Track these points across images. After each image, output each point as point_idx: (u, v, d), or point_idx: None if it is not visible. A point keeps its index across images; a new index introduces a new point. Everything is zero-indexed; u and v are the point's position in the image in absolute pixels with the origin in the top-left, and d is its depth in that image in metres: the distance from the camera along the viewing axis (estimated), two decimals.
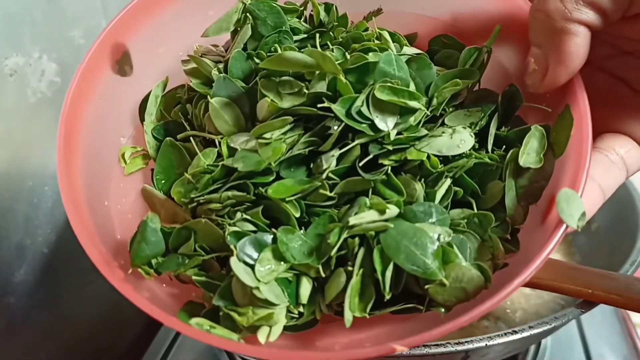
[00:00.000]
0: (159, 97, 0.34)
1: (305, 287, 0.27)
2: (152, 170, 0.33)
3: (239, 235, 0.28)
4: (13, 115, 0.45)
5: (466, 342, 0.35)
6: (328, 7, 0.35)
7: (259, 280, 0.26)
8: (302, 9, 0.35)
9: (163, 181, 0.32)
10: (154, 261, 0.29)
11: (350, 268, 0.27)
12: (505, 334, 0.36)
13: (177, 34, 0.35)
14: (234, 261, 0.26)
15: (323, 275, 0.27)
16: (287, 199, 0.28)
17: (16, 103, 0.45)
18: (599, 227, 0.52)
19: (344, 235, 0.27)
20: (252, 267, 0.27)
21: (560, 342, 0.53)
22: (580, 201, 0.26)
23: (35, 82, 0.46)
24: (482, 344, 0.35)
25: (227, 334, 0.26)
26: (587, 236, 0.53)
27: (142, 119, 0.34)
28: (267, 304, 0.26)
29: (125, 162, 0.33)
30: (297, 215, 0.28)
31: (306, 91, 0.30)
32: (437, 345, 0.34)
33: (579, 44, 0.27)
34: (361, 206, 0.27)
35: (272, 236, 0.28)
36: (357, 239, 0.27)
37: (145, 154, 0.34)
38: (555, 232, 0.25)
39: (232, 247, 0.27)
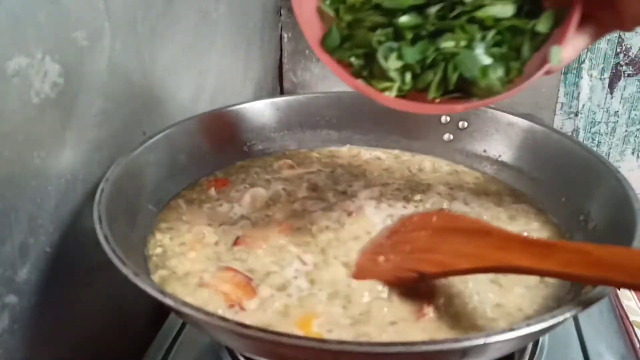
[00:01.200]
0: None
1: (408, 77, 0.46)
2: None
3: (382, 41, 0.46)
4: (16, 116, 0.45)
5: (464, 339, 0.35)
6: None
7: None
8: None
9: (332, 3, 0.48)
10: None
11: (435, 69, 0.45)
12: (503, 331, 0.36)
13: None
14: (380, 52, 0.45)
15: (417, 72, 0.45)
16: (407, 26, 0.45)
17: (19, 104, 0.45)
18: (596, 226, 0.53)
19: (434, 54, 0.44)
20: (386, 58, 0.45)
21: (557, 341, 0.54)
22: (560, 50, 0.42)
23: (38, 83, 0.47)
24: (480, 341, 0.35)
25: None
26: (584, 236, 0.54)
27: None
28: (389, 79, 0.46)
29: None
30: (411, 36, 0.45)
31: None
32: (434, 342, 0.35)
33: None
34: (447, 39, 0.44)
35: (397, 45, 0.45)
36: (441, 56, 0.44)
37: None
38: (544, 65, 0.42)
39: (379, 45, 0.46)
